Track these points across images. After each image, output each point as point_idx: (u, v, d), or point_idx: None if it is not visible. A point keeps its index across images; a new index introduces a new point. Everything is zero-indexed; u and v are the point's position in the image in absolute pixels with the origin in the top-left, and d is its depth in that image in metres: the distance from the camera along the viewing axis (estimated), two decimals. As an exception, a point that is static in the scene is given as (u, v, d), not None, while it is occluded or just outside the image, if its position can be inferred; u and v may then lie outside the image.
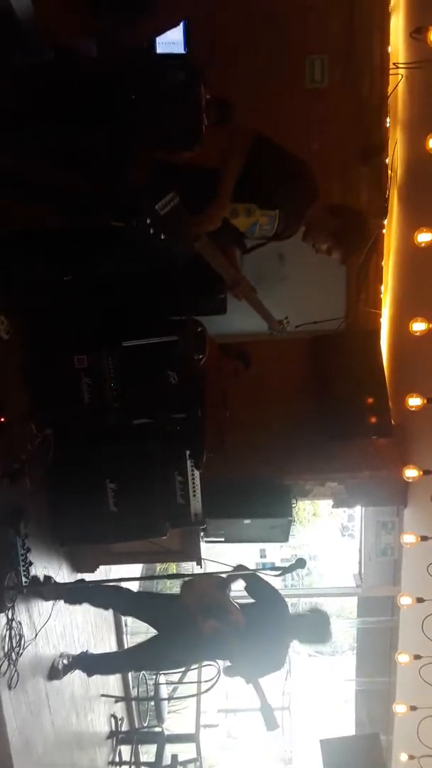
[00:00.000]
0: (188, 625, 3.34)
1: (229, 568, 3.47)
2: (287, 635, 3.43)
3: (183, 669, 3.91)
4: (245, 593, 3.57)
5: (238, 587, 3.59)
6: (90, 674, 3.91)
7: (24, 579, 3.11)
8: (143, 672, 5.50)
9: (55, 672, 3.50)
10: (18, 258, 2.87)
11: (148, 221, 2.48)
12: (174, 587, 4.26)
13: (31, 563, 3.21)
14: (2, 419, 3.02)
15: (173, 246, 2.60)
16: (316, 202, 2.72)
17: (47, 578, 3.42)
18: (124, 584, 4.03)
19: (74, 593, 3.64)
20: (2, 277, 2.96)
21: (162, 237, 2.52)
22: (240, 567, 3.51)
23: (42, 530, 3.54)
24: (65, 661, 3.61)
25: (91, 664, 3.83)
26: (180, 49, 3.51)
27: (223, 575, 3.47)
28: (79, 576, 4.16)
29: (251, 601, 3.53)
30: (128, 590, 4.01)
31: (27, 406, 3.44)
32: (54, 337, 3.45)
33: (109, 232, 2.77)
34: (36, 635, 3.26)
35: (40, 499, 3.52)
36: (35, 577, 3.31)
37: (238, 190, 2.59)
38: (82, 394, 3.51)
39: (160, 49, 3.47)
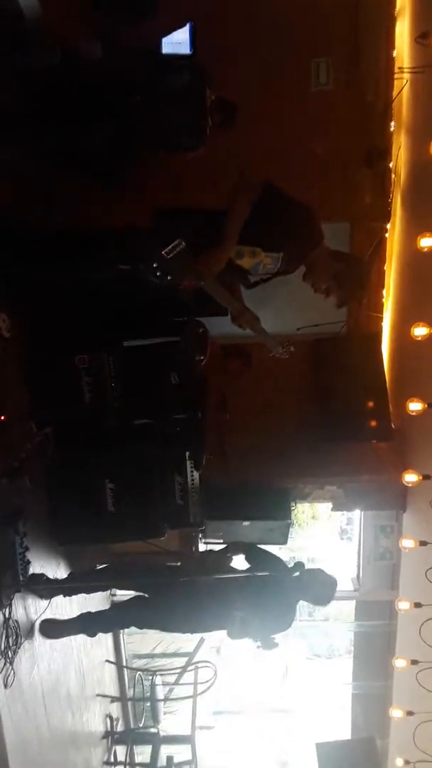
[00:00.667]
0: (196, 594, 3.40)
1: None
2: (292, 594, 3.49)
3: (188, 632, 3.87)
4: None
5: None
6: (92, 634, 3.82)
7: (21, 578, 3.11)
8: (140, 674, 5.51)
9: (50, 628, 3.40)
10: (20, 257, 2.88)
11: (154, 265, 2.54)
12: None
13: (29, 562, 3.20)
14: (2, 418, 3.02)
15: (178, 283, 2.66)
16: (320, 246, 2.77)
17: (40, 576, 3.41)
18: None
19: (71, 589, 3.63)
20: (4, 276, 2.96)
21: (168, 278, 2.59)
22: (234, 544, 3.66)
23: (40, 529, 3.54)
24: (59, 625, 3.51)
25: (91, 623, 3.72)
26: (186, 49, 3.51)
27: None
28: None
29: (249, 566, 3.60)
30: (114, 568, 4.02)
31: (27, 405, 3.44)
32: (55, 336, 3.46)
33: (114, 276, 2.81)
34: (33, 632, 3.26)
35: (39, 499, 3.52)
36: (34, 575, 3.31)
37: (244, 233, 2.65)
38: (82, 394, 3.51)
39: (165, 49, 3.47)
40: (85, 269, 2.92)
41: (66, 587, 3.58)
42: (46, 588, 3.41)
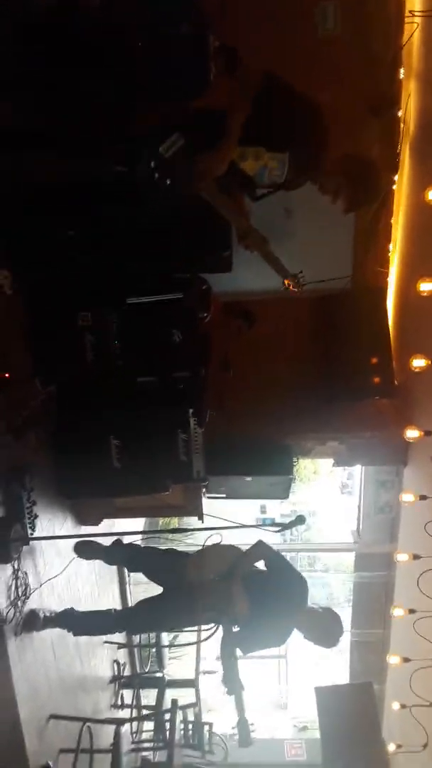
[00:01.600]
0: (193, 587, 3.25)
1: (230, 523, 3.35)
2: (294, 620, 3.26)
3: (174, 631, 3.85)
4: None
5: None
6: (76, 634, 3.70)
7: (30, 531, 3.18)
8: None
9: (33, 622, 3.24)
10: (21, 213, 2.83)
11: (152, 164, 2.39)
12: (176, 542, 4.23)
13: (36, 516, 3.27)
14: (6, 375, 3.03)
15: (179, 190, 2.50)
16: (327, 148, 2.61)
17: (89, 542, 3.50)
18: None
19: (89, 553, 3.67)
20: (5, 233, 2.92)
21: (167, 182, 2.44)
22: (259, 544, 3.36)
23: (47, 484, 3.60)
24: (48, 614, 3.39)
25: (77, 623, 3.59)
26: (187, -6, 3.35)
27: (242, 552, 3.34)
28: (84, 529, 4.25)
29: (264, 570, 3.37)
30: (137, 548, 3.85)
31: (31, 362, 3.44)
32: (57, 294, 3.43)
33: (112, 181, 2.68)
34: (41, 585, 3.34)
35: (45, 455, 3.57)
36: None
37: (247, 133, 2.49)
38: (85, 352, 3.50)
39: (165, -5, 3.32)
40: (81, 172, 2.76)
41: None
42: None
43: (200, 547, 3.36)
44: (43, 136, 2.93)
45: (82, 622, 3.60)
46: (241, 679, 3.20)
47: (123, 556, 3.67)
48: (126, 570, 5.29)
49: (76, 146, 2.82)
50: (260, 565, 3.38)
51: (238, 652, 3.27)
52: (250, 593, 3.19)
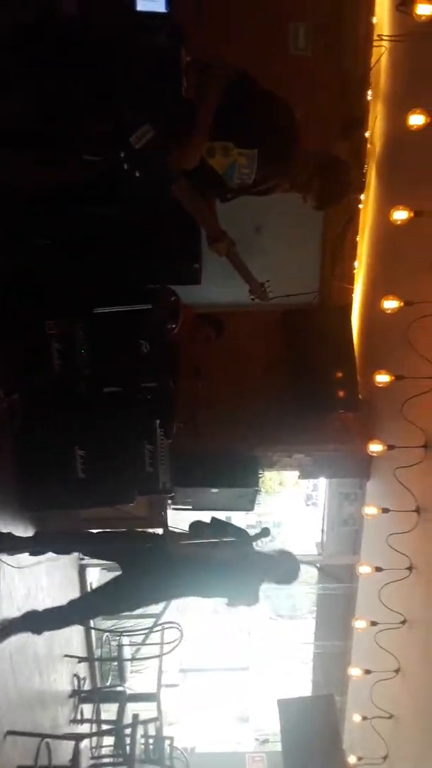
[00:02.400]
0: (162, 562, 3.36)
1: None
2: (257, 573, 3.48)
3: (139, 609, 3.87)
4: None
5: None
6: (38, 632, 3.56)
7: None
8: (107, 634, 5.59)
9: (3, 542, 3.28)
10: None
11: (122, 155, 2.37)
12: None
13: (-4, 528, 3.21)
14: (-30, 384, 2.98)
15: (149, 184, 2.50)
16: (297, 144, 2.61)
17: (6, 534, 3.38)
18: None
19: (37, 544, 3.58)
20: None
21: (137, 174, 2.42)
22: (195, 524, 3.61)
23: (8, 495, 3.54)
24: (5, 624, 3.32)
25: (38, 620, 3.52)
26: (161, 7, 3.39)
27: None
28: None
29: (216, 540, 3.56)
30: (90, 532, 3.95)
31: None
32: (25, 302, 3.39)
33: (83, 179, 2.66)
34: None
35: (6, 465, 3.51)
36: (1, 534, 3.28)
37: (215, 129, 2.48)
38: (51, 360, 3.48)
39: (140, 6, 3.35)
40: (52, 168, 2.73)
41: (35, 548, 3.56)
42: (12, 547, 3.39)
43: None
44: (15, 136, 2.91)
45: (44, 619, 3.54)
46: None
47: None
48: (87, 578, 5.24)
49: (48, 146, 2.79)
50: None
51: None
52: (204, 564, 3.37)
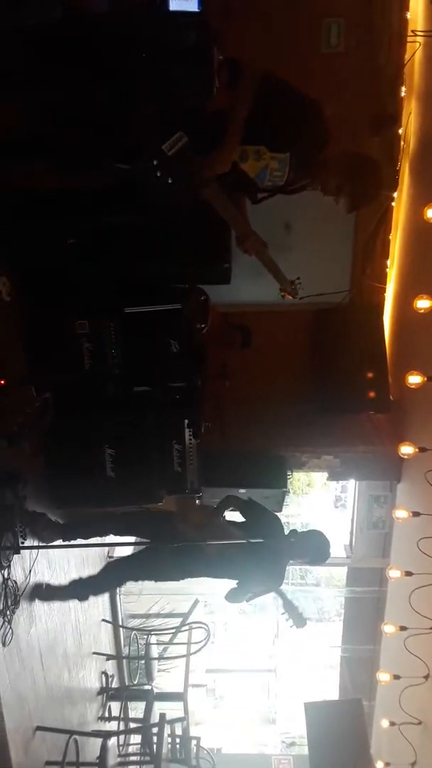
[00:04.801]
0: (187, 547, 3.40)
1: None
2: (286, 554, 3.52)
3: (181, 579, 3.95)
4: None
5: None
6: (82, 599, 3.87)
7: (21, 540, 3.15)
8: (135, 633, 5.62)
9: (40, 592, 3.43)
10: (21, 219, 2.82)
11: (154, 162, 2.39)
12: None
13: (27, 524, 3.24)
14: (2, 382, 3.01)
15: (180, 190, 2.50)
16: (328, 146, 2.61)
17: (41, 515, 3.45)
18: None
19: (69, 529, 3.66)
20: (5, 239, 2.92)
21: (169, 181, 2.43)
22: (229, 498, 3.69)
23: (39, 493, 3.57)
24: (49, 589, 3.54)
25: (81, 587, 3.79)
26: (194, 6, 3.38)
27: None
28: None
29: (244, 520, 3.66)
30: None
31: (27, 369, 3.43)
32: (56, 301, 3.42)
33: (114, 183, 2.67)
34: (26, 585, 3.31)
35: (38, 463, 3.54)
36: (35, 513, 3.38)
37: (248, 133, 2.49)
38: (82, 360, 3.49)
39: (172, 6, 3.34)
40: (81, 171, 2.76)
41: (66, 531, 3.61)
42: (45, 530, 3.46)
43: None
44: (44, 142, 2.93)
45: (86, 585, 3.75)
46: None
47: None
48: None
49: (77, 156, 2.81)
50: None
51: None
52: (237, 545, 3.41)
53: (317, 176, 2.68)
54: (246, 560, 3.44)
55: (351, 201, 2.71)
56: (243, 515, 3.68)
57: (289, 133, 2.54)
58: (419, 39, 3.86)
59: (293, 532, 3.66)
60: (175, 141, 2.36)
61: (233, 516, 3.80)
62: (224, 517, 3.68)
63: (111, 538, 3.92)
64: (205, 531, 3.51)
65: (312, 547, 3.58)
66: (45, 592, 3.49)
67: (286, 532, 3.67)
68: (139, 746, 4.81)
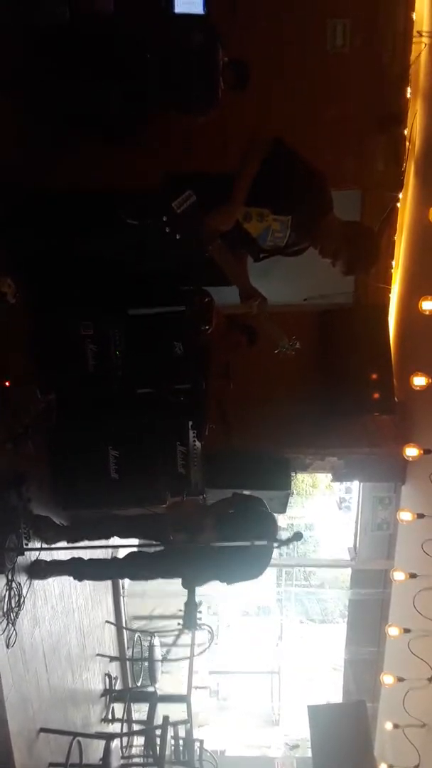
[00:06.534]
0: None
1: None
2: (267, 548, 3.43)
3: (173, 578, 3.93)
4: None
5: None
6: (79, 579, 3.76)
7: (25, 541, 3.15)
8: (138, 635, 5.62)
9: (37, 570, 3.37)
10: (28, 223, 2.83)
11: (164, 219, 2.48)
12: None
13: (32, 526, 3.24)
14: (6, 383, 3.01)
15: (188, 247, 2.61)
16: (329, 215, 2.70)
17: (45, 517, 3.44)
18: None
19: (73, 531, 3.63)
20: (12, 242, 2.92)
21: (177, 237, 2.52)
22: (236, 495, 3.66)
23: (44, 494, 3.57)
24: (50, 563, 3.48)
25: (81, 568, 3.67)
26: (199, 9, 3.38)
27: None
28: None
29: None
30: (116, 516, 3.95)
31: (32, 370, 3.43)
32: (61, 303, 3.42)
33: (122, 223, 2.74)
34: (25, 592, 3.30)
35: (42, 464, 3.54)
36: (39, 517, 3.37)
37: (253, 196, 2.59)
38: (87, 361, 3.49)
39: (178, 9, 3.35)
40: (91, 227, 2.84)
41: (70, 533, 3.59)
42: (50, 531, 3.44)
43: None
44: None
45: (87, 567, 3.66)
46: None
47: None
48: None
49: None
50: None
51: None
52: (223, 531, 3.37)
53: (317, 240, 2.76)
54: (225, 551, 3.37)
55: (347, 266, 2.78)
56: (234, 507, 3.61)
57: (293, 198, 2.63)
58: (425, 39, 3.86)
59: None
60: (184, 199, 2.47)
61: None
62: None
63: (115, 540, 3.91)
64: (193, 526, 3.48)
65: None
66: (43, 570, 3.42)
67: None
68: (142, 748, 4.81)
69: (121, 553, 4.06)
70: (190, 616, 3.46)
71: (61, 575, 3.58)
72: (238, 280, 2.85)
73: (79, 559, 3.65)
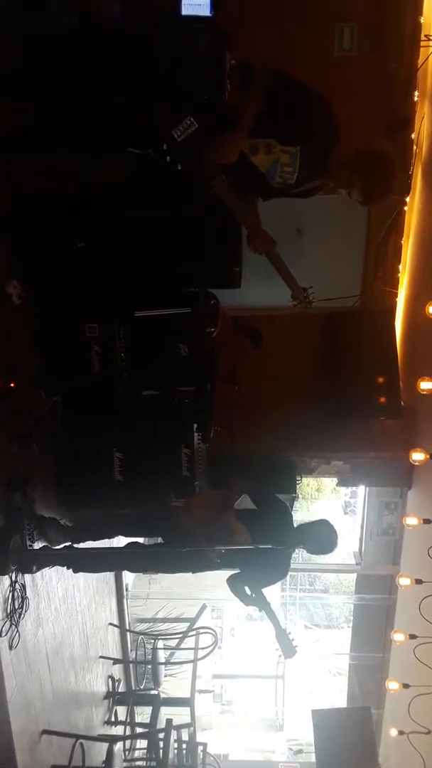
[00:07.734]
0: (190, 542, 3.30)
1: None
2: (292, 544, 3.35)
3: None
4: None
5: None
6: (75, 570, 3.59)
7: (29, 542, 3.15)
8: (142, 637, 5.61)
9: (28, 565, 3.18)
10: (32, 223, 2.83)
11: (164, 147, 2.41)
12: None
13: (36, 527, 3.24)
14: (12, 384, 3.02)
15: (190, 180, 2.51)
16: (339, 144, 2.61)
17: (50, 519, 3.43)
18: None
19: (76, 532, 3.61)
20: (16, 242, 2.92)
21: (178, 167, 2.44)
22: (242, 483, 3.49)
23: (48, 495, 3.57)
24: (46, 553, 3.36)
25: (77, 559, 3.53)
26: (206, 11, 3.37)
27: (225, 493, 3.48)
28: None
29: (253, 508, 3.41)
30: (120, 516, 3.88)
31: (36, 372, 3.43)
32: (66, 304, 3.42)
33: (125, 176, 2.69)
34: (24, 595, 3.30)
35: (47, 465, 3.55)
36: (44, 518, 3.37)
37: (258, 126, 2.50)
38: (91, 363, 3.48)
39: (185, 11, 3.34)
40: (92, 156, 2.79)
41: (74, 534, 3.59)
42: (54, 532, 3.45)
43: None
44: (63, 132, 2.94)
45: (83, 558, 3.57)
46: (264, 595, 3.36)
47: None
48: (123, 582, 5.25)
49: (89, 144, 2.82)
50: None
51: (247, 590, 3.40)
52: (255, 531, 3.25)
53: (328, 172, 2.67)
54: (251, 551, 3.26)
55: (364, 193, 2.68)
56: (255, 503, 3.43)
57: (299, 126, 2.54)
58: (433, 43, 3.84)
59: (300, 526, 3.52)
60: (186, 127, 2.37)
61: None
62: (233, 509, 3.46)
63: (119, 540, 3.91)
64: (209, 522, 3.35)
65: (316, 532, 3.34)
66: (41, 559, 3.33)
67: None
68: (145, 751, 4.79)
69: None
70: (284, 643, 3.29)
71: (55, 565, 3.44)
72: (245, 221, 2.75)
73: (75, 547, 3.54)
